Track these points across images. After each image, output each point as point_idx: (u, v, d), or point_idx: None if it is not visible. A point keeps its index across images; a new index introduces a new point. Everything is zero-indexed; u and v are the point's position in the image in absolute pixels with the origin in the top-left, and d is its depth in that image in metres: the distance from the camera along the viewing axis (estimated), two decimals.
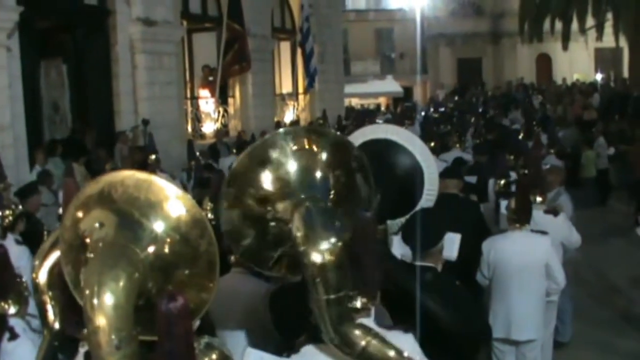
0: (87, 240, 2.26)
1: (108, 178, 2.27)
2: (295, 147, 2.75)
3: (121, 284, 2.10)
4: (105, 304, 2.06)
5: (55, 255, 2.66)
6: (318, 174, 2.76)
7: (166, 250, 2.24)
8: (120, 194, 2.23)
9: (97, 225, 2.25)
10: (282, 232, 2.72)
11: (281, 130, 2.90)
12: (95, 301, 2.07)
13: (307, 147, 2.77)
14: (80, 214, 2.28)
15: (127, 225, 2.22)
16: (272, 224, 2.76)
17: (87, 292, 2.10)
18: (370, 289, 2.74)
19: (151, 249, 2.22)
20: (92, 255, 2.22)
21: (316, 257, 2.55)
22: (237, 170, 2.78)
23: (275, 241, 2.79)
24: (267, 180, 2.75)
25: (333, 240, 2.56)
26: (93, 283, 2.10)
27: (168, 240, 2.24)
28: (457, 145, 12.67)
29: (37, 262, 2.73)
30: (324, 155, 2.79)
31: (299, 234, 2.61)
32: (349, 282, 2.62)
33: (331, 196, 2.76)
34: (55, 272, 2.64)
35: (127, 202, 2.22)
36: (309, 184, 2.74)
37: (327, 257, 2.55)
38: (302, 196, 2.70)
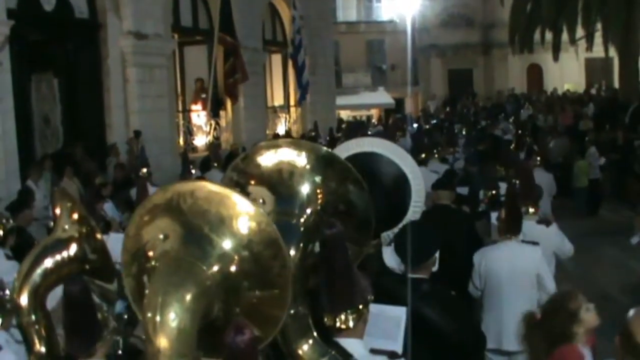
0: (151, 252, 2.13)
1: (177, 187, 2.15)
2: (284, 160, 2.74)
3: (186, 305, 1.97)
4: (169, 327, 1.93)
5: (37, 275, 2.56)
6: (302, 190, 2.75)
7: (235, 270, 2.09)
8: (190, 206, 2.08)
9: (162, 236, 2.11)
10: None
11: (288, 140, 2.88)
12: (157, 322, 1.94)
13: (298, 162, 2.75)
14: (145, 223, 2.14)
15: (194, 240, 2.08)
16: None
17: (149, 312, 1.97)
18: (342, 306, 2.67)
19: (219, 268, 2.07)
20: (156, 270, 2.09)
21: None
22: (238, 165, 2.79)
23: None
24: (258, 184, 2.75)
25: (292, 257, 2.54)
26: (156, 303, 1.97)
27: (237, 260, 2.08)
28: (436, 155, 12.58)
29: (17, 284, 2.61)
30: (314, 174, 2.75)
31: None
32: (306, 298, 2.60)
33: (308, 213, 2.74)
34: (40, 293, 2.55)
35: (197, 215, 2.08)
36: (287, 198, 2.73)
37: None
38: (278, 208, 2.71)
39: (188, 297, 1.99)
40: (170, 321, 1.94)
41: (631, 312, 3.63)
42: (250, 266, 2.11)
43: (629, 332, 3.55)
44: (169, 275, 2.05)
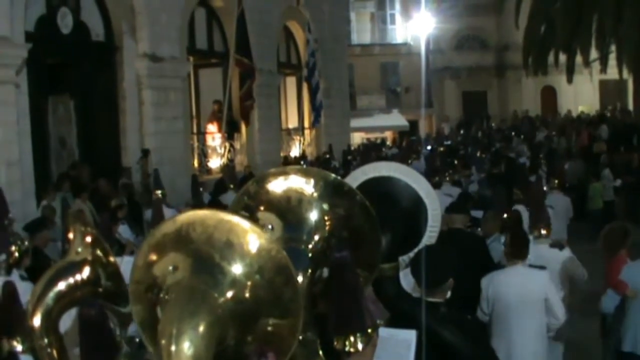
0: (162, 282, 2.13)
1: (187, 216, 2.15)
2: (293, 187, 2.77)
3: (201, 333, 1.98)
4: (184, 355, 1.93)
5: (50, 298, 2.57)
6: (310, 217, 2.77)
7: (247, 297, 2.09)
8: (200, 234, 2.09)
9: (173, 266, 2.12)
10: None
11: (293, 167, 2.92)
12: (172, 350, 1.94)
13: (306, 190, 2.78)
14: (155, 253, 2.15)
15: (206, 269, 2.08)
16: None
17: (164, 340, 1.97)
18: (352, 329, 2.66)
19: (231, 296, 2.08)
20: (168, 299, 2.09)
21: None
22: (248, 189, 2.82)
23: None
24: (267, 210, 2.78)
25: (300, 284, 2.56)
26: (170, 331, 1.97)
27: (249, 287, 2.09)
28: (447, 178, 12.55)
29: (30, 307, 2.62)
30: (322, 200, 2.78)
31: None
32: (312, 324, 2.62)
33: (316, 239, 2.77)
34: (53, 316, 2.55)
35: (207, 243, 2.09)
36: (295, 225, 2.76)
37: None
38: (287, 235, 2.73)
39: (202, 325, 2.00)
40: (185, 349, 1.94)
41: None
42: (262, 293, 2.11)
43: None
44: (182, 303, 2.06)
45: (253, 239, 2.10)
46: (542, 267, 6.18)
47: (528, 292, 6.05)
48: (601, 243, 7.47)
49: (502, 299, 6.10)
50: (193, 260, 2.11)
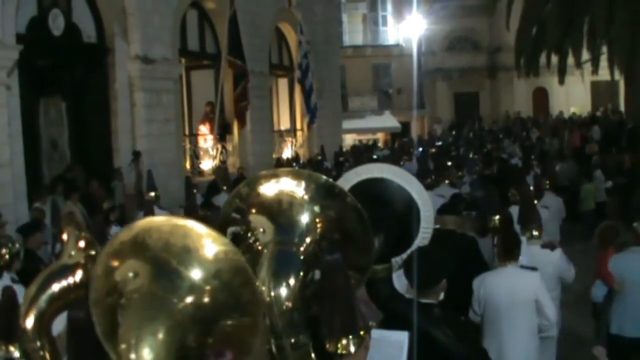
0: (121, 290, 2.13)
1: (142, 224, 2.15)
2: (284, 190, 2.77)
3: (160, 338, 1.99)
4: None
5: (43, 300, 2.56)
6: (301, 219, 2.78)
7: (206, 300, 2.10)
8: (156, 241, 2.10)
9: (131, 274, 2.12)
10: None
11: (284, 169, 2.93)
12: (132, 357, 1.95)
13: (297, 192, 2.78)
14: (113, 262, 2.15)
15: (164, 275, 2.09)
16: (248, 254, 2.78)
17: (124, 346, 1.98)
18: (344, 331, 2.65)
19: (190, 300, 2.08)
20: (127, 306, 2.09)
21: (275, 302, 2.58)
22: (240, 192, 2.83)
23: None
24: (259, 213, 2.79)
25: (292, 286, 2.57)
26: (130, 337, 1.98)
27: (208, 290, 2.10)
28: (447, 181, 12.51)
29: (23, 309, 2.59)
30: (313, 203, 2.79)
31: (261, 275, 2.64)
32: (304, 328, 2.63)
33: (307, 242, 2.77)
34: (46, 319, 2.54)
35: (163, 250, 2.10)
36: (287, 227, 2.77)
37: (286, 303, 2.58)
38: (278, 238, 2.74)
39: (162, 330, 2.00)
40: (145, 356, 1.95)
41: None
42: (220, 295, 2.12)
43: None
44: (141, 310, 2.06)
45: (209, 242, 2.10)
46: (533, 269, 6.19)
47: (518, 293, 6.06)
48: (595, 240, 8.04)
49: (493, 300, 6.10)
50: (151, 267, 2.10)
